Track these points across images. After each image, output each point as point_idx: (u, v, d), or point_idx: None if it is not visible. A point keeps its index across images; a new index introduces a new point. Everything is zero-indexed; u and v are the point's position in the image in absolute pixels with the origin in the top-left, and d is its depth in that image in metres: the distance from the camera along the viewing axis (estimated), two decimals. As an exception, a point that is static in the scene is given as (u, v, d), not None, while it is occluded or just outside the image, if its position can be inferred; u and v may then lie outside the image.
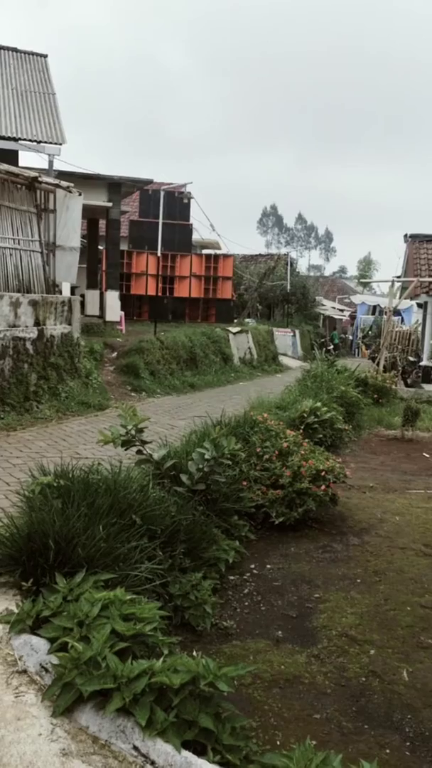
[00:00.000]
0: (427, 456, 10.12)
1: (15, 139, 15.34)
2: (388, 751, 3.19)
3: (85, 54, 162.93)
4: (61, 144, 15.87)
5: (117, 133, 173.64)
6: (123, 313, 19.36)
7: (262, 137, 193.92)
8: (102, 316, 18.78)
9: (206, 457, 5.26)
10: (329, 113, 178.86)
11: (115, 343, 15.67)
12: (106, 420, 9.92)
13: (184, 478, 5.27)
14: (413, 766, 3.09)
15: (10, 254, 11.06)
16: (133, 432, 5.24)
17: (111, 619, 3.17)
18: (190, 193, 24.61)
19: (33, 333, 10.70)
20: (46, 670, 2.99)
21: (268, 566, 5.37)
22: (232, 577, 5.07)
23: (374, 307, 40.41)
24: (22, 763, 2.39)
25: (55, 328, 11.44)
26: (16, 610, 3.42)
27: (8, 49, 18.13)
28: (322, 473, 6.31)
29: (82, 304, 15.77)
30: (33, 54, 18.45)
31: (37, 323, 10.88)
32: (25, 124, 15.97)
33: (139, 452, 5.38)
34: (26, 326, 10.59)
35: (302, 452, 6.63)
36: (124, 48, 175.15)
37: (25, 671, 3.02)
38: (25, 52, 18.30)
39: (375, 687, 3.74)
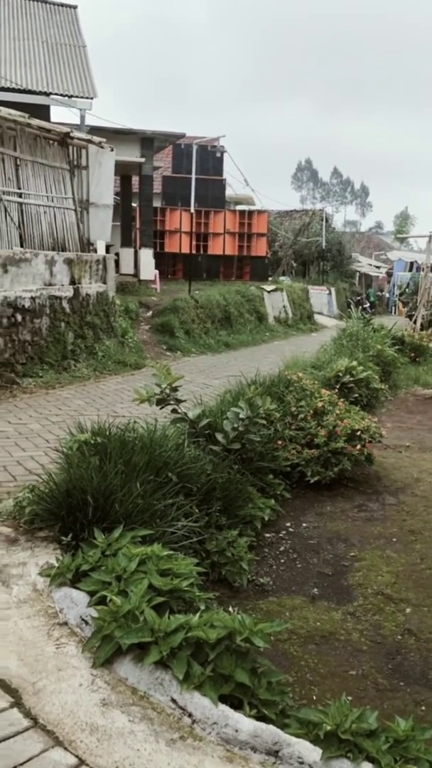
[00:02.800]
0: (466, 415, 9.95)
1: (46, 94, 15.14)
2: (423, 708, 3.20)
3: (104, 11, 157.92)
4: (92, 98, 15.63)
5: (140, 90, 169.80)
6: (157, 271, 19.27)
7: (294, 89, 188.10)
8: (136, 274, 18.72)
9: (241, 416, 5.24)
10: (364, 63, 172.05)
11: (149, 302, 15.66)
12: (142, 379, 9.97)
13: (219, 437, 5.26)
14: (449, 723, 3.10)
15: (44, 212, 11.03)
16: (167, 391, 5.23)
17: (148, 574, 3.22)
18: (223, 147, 24.15)
19: (69, 292, 10.72)
20: (86, 623, 3.05)
21: (304, 524, 5.38)
22: (267, 535, 5.10)
23: (411, 263, 39.50)
24: (63, 712, 2.46)
25: (91, 287, 11.44)
26: (56, 564, 3.50)
27: (38, 0, 17.77)
28: (358, 433, 6.25)
29: (117, 263, 15.71)
30: (62, 5, 18.06)
31: (72, 282, 10.89)
32: (56, 77, 15.74)
33: (174, 411, 5.39)
34: (62, 285, 10.61)
35: (337, 412, 6.57)
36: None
37: (65, 623, 3.09)
38: (54, 3, 17.92)
39: (411, 645, 3.75)
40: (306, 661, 3.54)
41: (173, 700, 2.60)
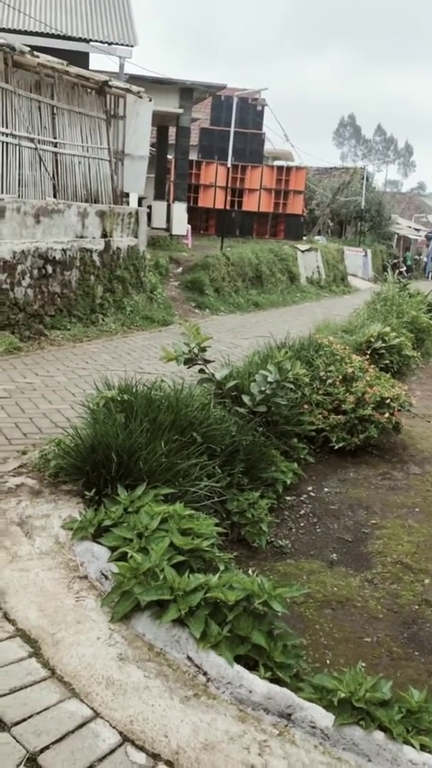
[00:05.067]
0: None
1: (86, 41, 14.80)
2: (437, 679, 3.22)
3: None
4: (133, 46, 15.24)
5: (178, 39, 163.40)
6: (189, 226, 19.02)
7: (340, 41, 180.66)
8: (168, 228, 18.50)
9: (269, 379, 5.20)
10: (410, 15, 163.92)
11: (180, 258, 15.52)
12: (170, 336, 9.94)
13: (245, 399, 5.24)
14: (462, 696, 3.10)
15: (79, 162, 10.89)
16: (196, 350, 5.20)
17: (169, 532, 3.24)
18: (264, 100, 23.41)
19: (100, 245, 10.65)
20: (106, 578, 3.10)
21: (326, 489, 5.37)
22: (289, 498, 5.11)
23: (452, 227, 38.45)
24: (81, 665, 2.51)
25: (122, 240, 11.35)
26: (79, 518, 3.54)
27: None
28: (387, 400, 6.18)
29: (149, 216, 15.54)
30: None
31: (104, 235, 10.80)
32: (96, 23, 15.35)
33: (201, 371, 5.36)
34: (93, 237, 10.53)
35: (367, 378, 6.49)
36: None
37: (85, 577, 3.14)
38: None
39: (428, 615, 3.75)
40: (321, 626, 3.57)
41: (189, 658, 2.63)
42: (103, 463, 3.88)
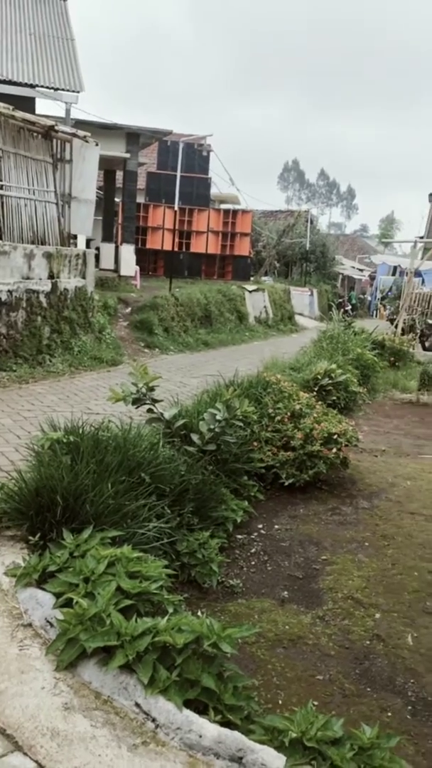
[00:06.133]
0: (441, 421, 10.02)
1: (32, 86, 14.98)
2: (389, 714, 3.21)
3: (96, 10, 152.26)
4: (79, 92, 15.49)
5: (126, 88, 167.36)
6: (138, 267, 19.17)
7: (283, 90, 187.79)
8: (117, 270, 18.61)
9: (218, 417, 5.21)
10: (352, 65, 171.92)
11: (129, 299, 15.56)
12: (119, 376, 9.90)
13: (194, 437, 5.23)
14: (414, 730, 3.10)
15: (25, 205, 10.90)
16: (144, 390, 5.19)
17: (117, 576, 3.18)
18: (209, 145, 24.03)
19: (46, 286, 10.61)
20: (51, 625, 3.01)
21: (276, 527, 5.37)
22: (239, 537, 5.08)
23: (395, 267, 39.70)
24: (24, 716, 2.42)
25: (69, 282, 11.34)
26: (22, 564, 3.44)
27: (26, -10, 17.56)
28: (334, 436, 6.26)
29: (97, 258, 15.60)
30: (51, -4, 17.86)
31: (50, 276, 10.78)
32: (42, 70, 15.58)
33: (149, 410, 5.35)
34: (40, 279, 10.49)
35: (315, 415, 6.57)
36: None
37: (30, 625, 3.04)
38: (43, -6, 17.72)
39: (379, 650, 3.75)
40: (273, 665, 3.53)
41: (137, 705, 2.57)
42: (48, 507, 3.80)
